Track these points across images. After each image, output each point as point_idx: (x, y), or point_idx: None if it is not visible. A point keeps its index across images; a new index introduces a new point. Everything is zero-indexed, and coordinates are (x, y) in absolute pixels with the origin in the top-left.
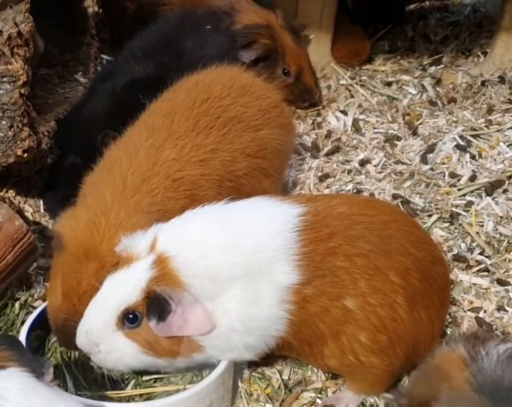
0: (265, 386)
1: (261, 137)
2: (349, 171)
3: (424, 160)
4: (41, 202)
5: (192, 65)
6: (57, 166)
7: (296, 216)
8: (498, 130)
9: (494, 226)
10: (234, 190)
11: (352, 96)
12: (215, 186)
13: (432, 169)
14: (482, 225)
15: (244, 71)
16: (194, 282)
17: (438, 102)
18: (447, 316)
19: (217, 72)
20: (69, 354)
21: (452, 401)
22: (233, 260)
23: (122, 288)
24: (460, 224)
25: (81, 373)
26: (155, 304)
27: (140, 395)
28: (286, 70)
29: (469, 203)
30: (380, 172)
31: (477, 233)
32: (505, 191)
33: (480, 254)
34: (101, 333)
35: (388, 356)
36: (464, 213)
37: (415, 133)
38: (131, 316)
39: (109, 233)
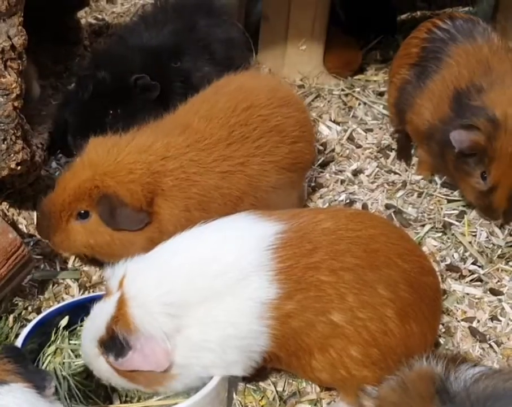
0: (260, 398)
1: (297, 150)
2: (342, 181)
3: None
4: (35, 214)
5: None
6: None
7: (273, 234)
8: None
9: (487, 236)
10: (258, 206)
11: (344, 107)
12: (231, 203)
13: (424, 179)
14: (475, 235)
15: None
16: (149, 322)
17: None
18: (441, 326)
19: (261, 78)
20: (64, 367)
21: None
22: (196, 287)
23: (98, 319)
24: (453, 234)
25: (76, 387)
26: (111, 342)
27: None
28: (485, 175)
29: (462, 213)
30: (372, 182)
31: (470, 242)
32: None
33: (473, 263)
34: (89, 357)
35: (380, 369)
36: (456, 223)
37: None
38: (106, 345)
39: (116, 161)
